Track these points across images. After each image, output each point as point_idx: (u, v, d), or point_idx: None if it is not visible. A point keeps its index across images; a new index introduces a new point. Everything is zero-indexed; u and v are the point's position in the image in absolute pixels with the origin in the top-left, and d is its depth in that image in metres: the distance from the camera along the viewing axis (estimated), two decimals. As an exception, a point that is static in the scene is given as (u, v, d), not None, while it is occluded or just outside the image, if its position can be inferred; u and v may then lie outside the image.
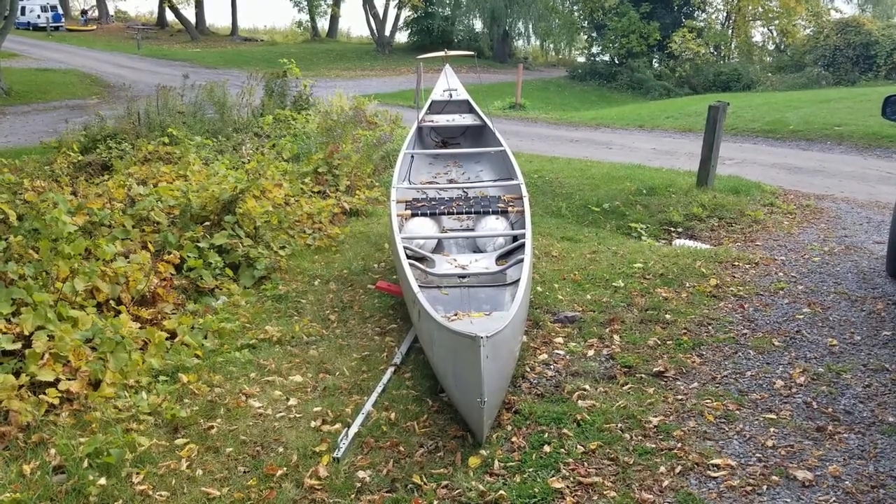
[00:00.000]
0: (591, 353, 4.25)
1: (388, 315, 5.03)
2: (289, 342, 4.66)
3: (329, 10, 41.42)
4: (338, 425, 3.60)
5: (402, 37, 39.12)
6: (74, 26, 41.67)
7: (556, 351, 4.29)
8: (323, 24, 43.53)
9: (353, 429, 3.52)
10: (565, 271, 5.61)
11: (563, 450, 3.26)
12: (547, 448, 3.28)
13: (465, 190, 6.07)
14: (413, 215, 5.29)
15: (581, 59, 35.89)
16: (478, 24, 36.67)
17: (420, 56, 8.47)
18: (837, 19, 27.16)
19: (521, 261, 4.41)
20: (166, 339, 4.46)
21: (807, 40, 27.49)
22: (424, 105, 7.49)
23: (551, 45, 39.07)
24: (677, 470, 3.10)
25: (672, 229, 7.32)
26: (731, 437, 3.34)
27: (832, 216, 7.47)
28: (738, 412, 3.55)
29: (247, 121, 11.39)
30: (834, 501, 2.87)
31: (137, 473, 3.21)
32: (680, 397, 3.71)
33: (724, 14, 31.83)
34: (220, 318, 4.88)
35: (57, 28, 39.47)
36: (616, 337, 4.44)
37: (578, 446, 3.28)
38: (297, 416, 3.73)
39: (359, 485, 3.14)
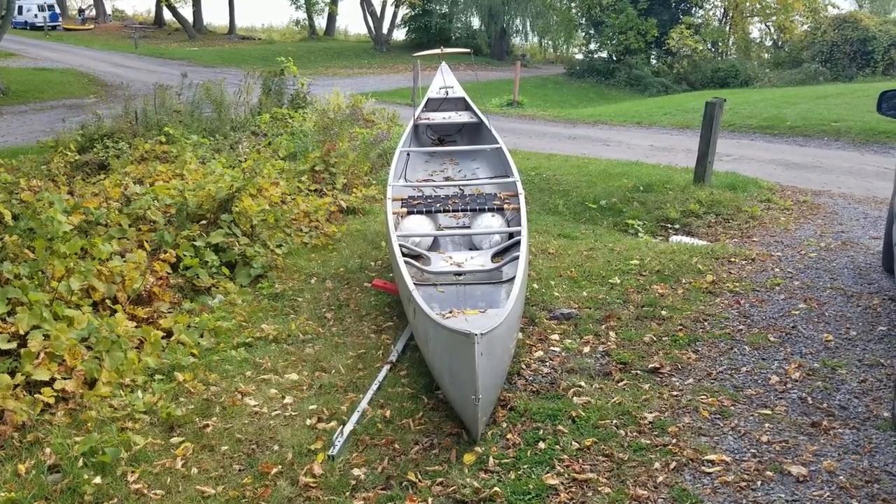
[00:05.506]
0: (586, 349, 4.25)
1: (384, 313, 5.03)
2: (285, 340, 4.66)
3: (326, 9, 41.36)
4: (333, 423, 3.60)
5: (399, 34, 39.14)
6: (72, 25, 41.57)
7: (552, 348, 4.30)
8: (320, 22, 43.59)
9: (349, 426, 3.52)
10: (562, 268, 5.62)
11: (558, 446, 3.27)
12: (542, 445, 3.29)
13: (462, 187, 6.06)
14: (409, 213, 5.29)
15: (579, 56, 35.85)
16: (475, 22, 36.62)
17: (417, 54, 8.47)
18: (835, 15, 27.12)
19: (517, 258, 4.40)
20: (162, 337, 4.46)
21: (804, 36, 27.51)
22: (421, 102, 7.48)
23: (549, 42, 39.07)
24: (672, 466, 3.10)
25: (669, 226, 7.32)
26: (726, 433, 3.35)
27: (829, 212, 7.47)
28: (732, 408, 3.55)
29: (244, 119, 11.37)
30: (828, 496, 2.87)
31: (133, 472, 3.22)
32: (675, 393, 3.72)
33: (722, 10, 31.83)
34: (216, 317, 4.88)
35: (54, 27, 39.37)
36: (612, 333, 4.44)
37: (573, 443, 3.29)
38: (293, 414, 3.74)
39: (354, 482, 3.14)
